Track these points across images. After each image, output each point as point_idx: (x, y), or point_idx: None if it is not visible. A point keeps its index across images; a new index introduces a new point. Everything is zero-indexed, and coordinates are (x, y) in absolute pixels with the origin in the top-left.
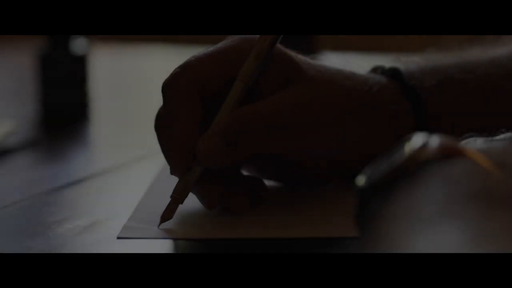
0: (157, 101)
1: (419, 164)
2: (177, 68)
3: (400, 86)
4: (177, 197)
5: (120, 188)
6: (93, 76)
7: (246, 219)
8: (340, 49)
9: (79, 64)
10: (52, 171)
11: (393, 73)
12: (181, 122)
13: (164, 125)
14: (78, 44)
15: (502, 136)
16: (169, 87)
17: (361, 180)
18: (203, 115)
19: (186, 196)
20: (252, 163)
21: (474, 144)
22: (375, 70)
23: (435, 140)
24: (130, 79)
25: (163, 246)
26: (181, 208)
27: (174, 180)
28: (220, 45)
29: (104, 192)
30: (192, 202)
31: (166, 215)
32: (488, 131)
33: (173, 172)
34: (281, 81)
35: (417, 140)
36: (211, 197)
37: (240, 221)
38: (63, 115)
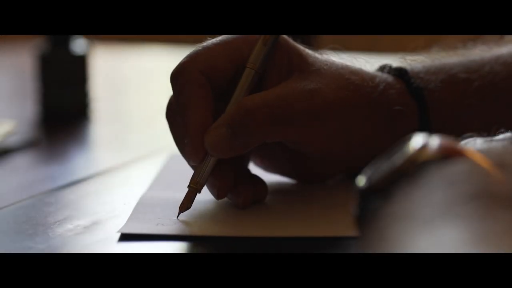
0: (157, 101)
1: (419, 164)
2: (185, 57)
3: (406, 86)
4: (194, 186)
5: (120, 188)
6: (93, 76)
7: (245, 218)
8: (340, 49)
9: (79, 64)
10: (52, 171)
11: (399, 73)
12: (194, 110)
13: (176, 114)
14: (78, 44)
15: (501, 136)
16: (178, 77)
17: (361, 180)
18: (215, 103)
19: (203, 185)
20: (259, 155)
21: (473, 144)
22: (382, 68)
23: (434, 141)
24: (130, 79)
25: (163, 246)
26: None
27: (177, 176)
28: (227, 35)
29: (104, 192)
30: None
31: (185, 205)
32: (488, 131)
33: (188, 161)
34: (287, 72)
35: (417, 140)
36: (222, 188)
37: (239, 219)
38: (63, 115)
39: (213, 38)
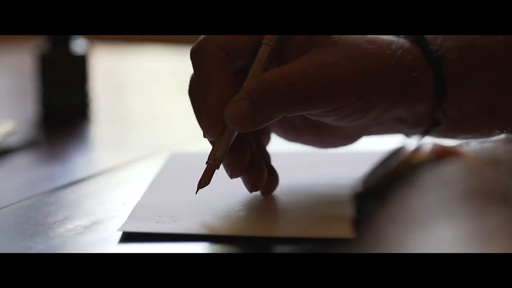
0: (158, 101)
1: (413, 166)
2: (203, 35)
3: (423, 52)
4: (213, 163)
5: (120, 188)
6: (93, 76)
7: (244, 217)
8: None
9: (79, 64)
10: (52, 171)
11: (416, 38)
12: (214, 85)
13: (197, 90)
14: (78, 44)
15: (494, 138)
16: (197, 52)
17: (357, 183)
18: (234, 79)
19: (221, 161)
20: (281, 126)
21: (467, 145)
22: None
23: (428, 143)
24: (130, 79)
25: (163, 247)
26: (180, 203)
27: (177, 176)
28: None
29: (104, 192)
30: (193, 198)
31: (203, 181)
32: (501, 99)
33: (206, 136)
34: (306, 46)
35: (411, 143)
36: (236, 167)
37: (238, 219)
38: (63, 115)
39: None
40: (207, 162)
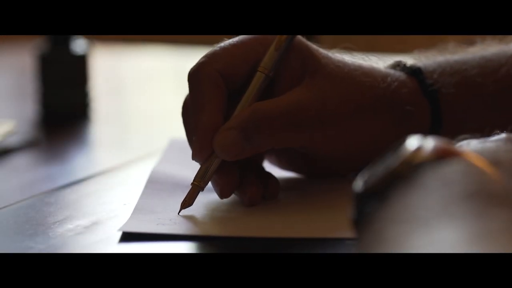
0: (157, 101)
1: (414, 166)
2: (203, 57)
3: (420, 86)
4: (198, 184)
5: (120, 188)
6: (93, 76)
7: (244, 219)
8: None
9: (79, 64)
10: (52, 171)
11: (413, 72)
12: (206, 110)
13: (190, 112)
14: (78, 44)
15: (495, 137)
16: (195, 76)
17: (358, 183)
18: (227, 104)
19: (206, 183)
20: (274, 153)
21: (468, 145)
22: (395, 65)
23: (429, 142)
24: (130, 79)
25: (163, 247)
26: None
27: (177, 167)
28: (243, 36)
29: (104, 192)
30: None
31: (187, 201)
32: (488, 132)
33: (194, 158)
34: (300, 74)
35: (412, 142)
36: (225, 187)
37: (238, 220)
38: (63, 115)
39: (212, 38)
40: (192, 183)
